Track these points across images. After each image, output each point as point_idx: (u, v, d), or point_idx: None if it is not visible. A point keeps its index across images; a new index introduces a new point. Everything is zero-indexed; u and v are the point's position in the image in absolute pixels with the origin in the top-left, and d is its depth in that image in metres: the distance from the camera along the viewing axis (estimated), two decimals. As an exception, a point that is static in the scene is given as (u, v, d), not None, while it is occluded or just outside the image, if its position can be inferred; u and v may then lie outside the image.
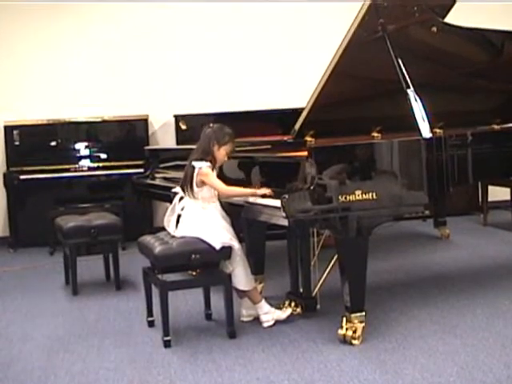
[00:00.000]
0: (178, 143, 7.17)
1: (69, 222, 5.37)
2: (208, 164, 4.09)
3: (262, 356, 3.72)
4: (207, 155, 4.12)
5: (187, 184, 4.11)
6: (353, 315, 3.78)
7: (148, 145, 7.18)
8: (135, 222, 6.86)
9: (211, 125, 4.22)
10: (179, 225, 4.15)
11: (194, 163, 4.09)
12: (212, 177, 4.07)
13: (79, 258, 5.30)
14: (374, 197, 3.71)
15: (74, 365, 3.73)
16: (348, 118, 4.55)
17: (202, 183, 4.08)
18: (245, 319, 4.26)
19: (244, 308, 4.27)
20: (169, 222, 4.19)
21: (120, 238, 5.47)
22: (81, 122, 7.27)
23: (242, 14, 7.56)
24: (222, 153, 4.15)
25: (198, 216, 4.11)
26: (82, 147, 7.19)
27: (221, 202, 4.20)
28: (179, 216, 4.18)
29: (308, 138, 4.28)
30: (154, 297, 4.21)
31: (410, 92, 4.07)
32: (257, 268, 4.77)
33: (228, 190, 4.12)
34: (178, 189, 4.26)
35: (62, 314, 4.72)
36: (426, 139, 3.97)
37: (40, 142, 7.13)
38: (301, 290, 4.41)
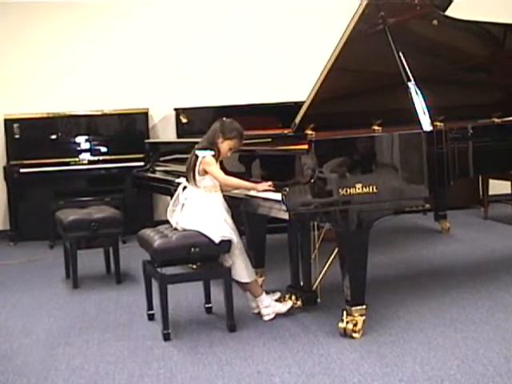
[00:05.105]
0: (178, 136, 7.18)
1: (69, 215, 5.37)
2: (212, 153, 4.09)
3: (262, 349, 3.72)
4: (211, 145, 4.12)
5: (190, 172, 4.12)
6: (353, 308, 3.78)
7: (148, 138, 7.18)
8: (135, 215, 6.87)
9: (224, 118, 4.21)
10: (182, 214, 4.14)
11: (198, 152, 4.10)
12: (214, 166, 4.07)
13: (79, 252, 5.30)
14: (375, 190, 3.71)
15: (74, 358, 3.73)
16: (348, 111, 4.55)
17: (205, 172, 4.08)
18: (256, 311, 4.25)
19: (252, 301, 4.26)
20: (172, 213, 4.19)
21: (120, 231, 5.46)
22: (81, 115, 7.27)
23: (243, 8, 7.55)
24: (225, 146, 4.14)
25: (200, 205, 4.10)
26: (82, 140, 7.19)
27: (223, 195, 4.20)
28: (183, 205, 4.17)
29: (308, 132, 4.28)
30: (154, 290, 4.21)
31: (411, 85, 4.07)
32: (257, 261, 4.77)
33: (227, 180, 4.11)
34: (181, 179, 4.25)
35: (63, 307, 4.72)
36: (426, 132, 3.97)
37: (40, 135, 7.12)
38: (301, 284, 4.41)
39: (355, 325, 3.78)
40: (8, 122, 7.07)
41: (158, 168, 6.14)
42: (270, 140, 4.76)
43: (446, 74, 4.70)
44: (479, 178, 7.16)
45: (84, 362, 3.67)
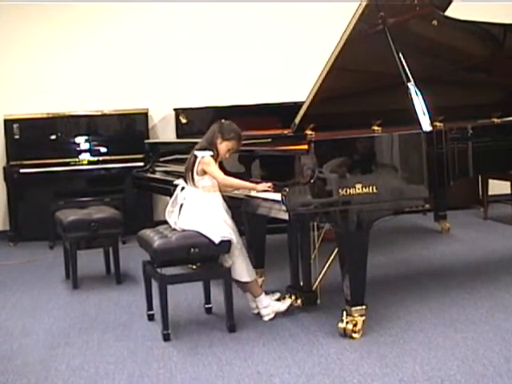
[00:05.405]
0: (178, 137, 7.17)
1: (69, 215, 5.36)
2: (211, 153, 4.10)
3: (262, 350, 3.72)
4: (210, 146, 4.13)
5: (188, 172, 4.12)
6: (353, 309, 3.78)
7: (148, 138, 7.18)
8: (135, 215, 6.87)
9: (222, 120, 4.22)
10: (181, 215, 4.14)
11: (197, 152, 4.11)
12: (213, 166, 4.08)
13: (79, 252, 5.30)
14: (375, 190, 3.71)
15: (74, 359, 3.73)
16: (348, 111, 4.55)
17: (203, 172, 4.09)
18: (256, 311, 4.25)
19: (252, 301, 4.26)
20: (170, 213, 4.19)
21: (120, 231, 5.46)
22: (81, 115, 7.26)
23: (241, 8, 7.54)
24: (224, 147, 4.15)
25: (199, 205, 4.10)
26: (82, 141, 7.18)
27: (223, 195, 4.20)
28: (182, 206, 4.17)
29: (308, 132, 4.28)
30: (154, 290, 4.20)
31: (411, 86, 4.07)
32: (257, 262, 4.77)
33: (226, 180, 4.12)
34: (179, 181, 4.26)
35: (62, 307, 4.72)
36: (426, 132, 3.97)
37: (40, 135, 7.11)
38: (301, 284, 4.41)
39: (355, 325, 3.78)
40: (8, 123, 7.07)
41: (157, 168, 6.14)
42: (269, 140, 4.75)
43: (445, 74, 4.70)
44: (479, 178, 7.16)
45: (84, 363, 3.67)
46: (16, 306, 4.81)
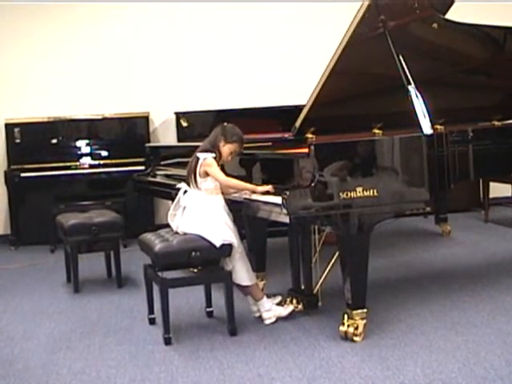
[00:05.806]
0: (178, 140, 7.18)
1: (70, 219, 5.36)
2: (213, 155, 4.11)
3: (263, 353, 3.72)
4: (213, 148, 4.14)
5: (191, 174, 4.13)
6: (354, 312, 3.78)
7: (149, 142, 7.18)
8: (136, 219, 6.87)
9: (225, 124, 4.23)
10: (183, 218, 4.15)
11: (199, 154, 4.12)
12: (215, 167, 4.09)
13: (80, 256, 5.30)
14: (375, 193, 3.71)
15: (75, 363, 3.73)
16: (349, 114, 4.55)
17: (206, 174, 4.10)
18: (257, 315, 4.25)
19: (253, 304, 4.27)
20: (173, 217, 4.19)
21: (121, 235, 5.47)
22: (82, 119, 7.27)
23: (243, 11, 7.55)
24: (226, 150, 4.16)
25: (201, 208, 4.10)
26: (82, 145, 7.18)
27: (225, 198, 4.21)
28: (184, 209, 4.18)
29: (309, 135, 4.28)
30: (155, 294, 4.21)
31: (411, 88, 4.08)
32: (258, 265, 4.77)
33: (228, 181, 4.13)
34: (181, 184, 4.26)
35: (64, 311, 4.72)
36: (427, 136, 3.97)
37: (41, 139, 7.12)
38: (302, 287, 4.41)
39: (356, 328, 3.78)
40: (9, 127, 7.07)
41: (158, 172, 6.13)
42: (270, 144, 4.76)
43: (446, 77, 4.70)
44: (480, 180, 7.16)
45: (85, 367, 3.67)
46: (17, 310, 4.81)
